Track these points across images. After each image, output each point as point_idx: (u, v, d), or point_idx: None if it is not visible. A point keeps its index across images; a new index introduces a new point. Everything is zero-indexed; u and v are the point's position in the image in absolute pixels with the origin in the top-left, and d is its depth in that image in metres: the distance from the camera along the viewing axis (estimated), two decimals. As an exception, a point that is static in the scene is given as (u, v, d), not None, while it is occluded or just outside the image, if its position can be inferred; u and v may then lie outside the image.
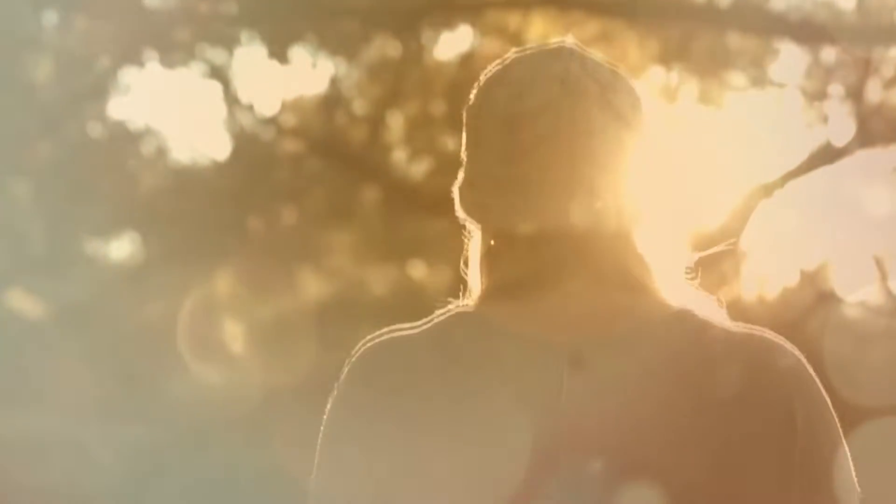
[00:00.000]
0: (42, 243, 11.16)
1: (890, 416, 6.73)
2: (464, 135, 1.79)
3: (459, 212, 1.80)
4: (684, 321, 1.70)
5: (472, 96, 1.79)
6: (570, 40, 1.80)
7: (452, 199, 1.80)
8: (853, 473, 1.69)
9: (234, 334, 11.14)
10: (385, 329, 1.77)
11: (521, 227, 1.72)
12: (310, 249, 10.95)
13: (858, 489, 1.69)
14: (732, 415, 1.64)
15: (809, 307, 8.47)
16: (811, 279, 9.13)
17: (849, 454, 1.69)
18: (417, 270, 10.90)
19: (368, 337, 1.76)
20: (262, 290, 10.88)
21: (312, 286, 11.25)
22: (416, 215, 10.64)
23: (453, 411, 1.66)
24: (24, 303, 11.06)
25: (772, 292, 9.02)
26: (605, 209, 1.70)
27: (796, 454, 1.65)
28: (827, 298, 8.80)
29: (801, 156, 8.87)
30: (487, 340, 1.70)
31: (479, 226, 1.79)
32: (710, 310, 1.74)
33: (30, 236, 11.11)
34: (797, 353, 1.71)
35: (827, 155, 8.70)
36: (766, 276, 9.17)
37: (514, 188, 1.71)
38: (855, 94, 8.31)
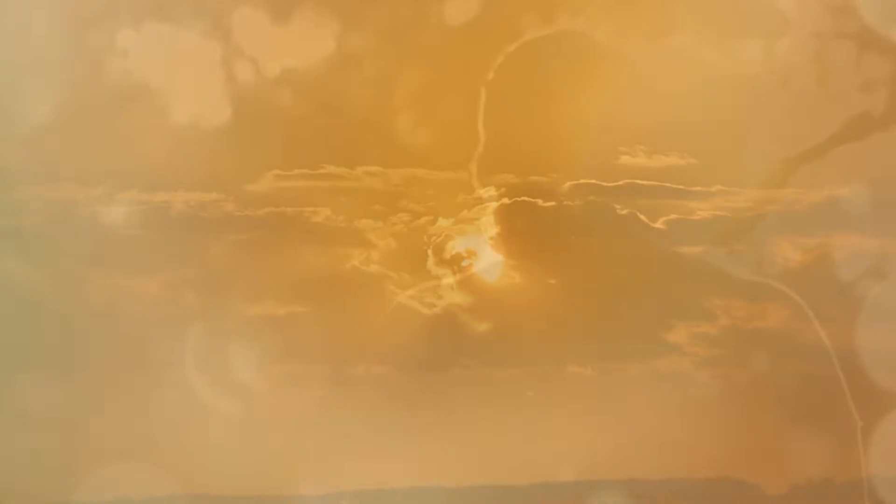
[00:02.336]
0: (38, 207, 11.14)
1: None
2: None
3: None
4: None
5: None
6: None
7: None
8: None
9: (233, 303, 11.06)
10: None
11: None
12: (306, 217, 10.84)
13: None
14: None
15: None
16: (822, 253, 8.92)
17: None
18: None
19: None
20: (260, 256, 10.80)
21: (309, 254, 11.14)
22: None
23: None
24: (19, 266, 11.02)
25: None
26: None
27: None
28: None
29: (842, 121, 8.58)
30: None
31: None
32: None
33: (26, 200, 11.08)
34: None
35: (869, 122, 8.37)
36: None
37: None
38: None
